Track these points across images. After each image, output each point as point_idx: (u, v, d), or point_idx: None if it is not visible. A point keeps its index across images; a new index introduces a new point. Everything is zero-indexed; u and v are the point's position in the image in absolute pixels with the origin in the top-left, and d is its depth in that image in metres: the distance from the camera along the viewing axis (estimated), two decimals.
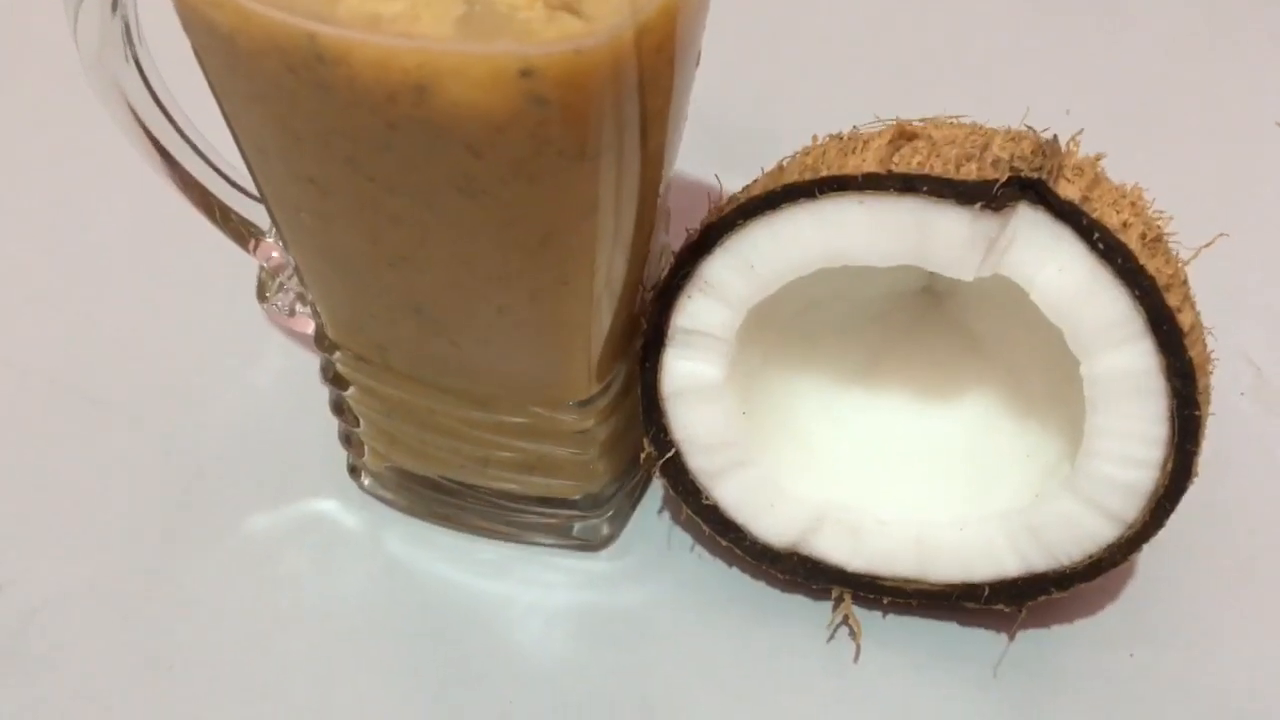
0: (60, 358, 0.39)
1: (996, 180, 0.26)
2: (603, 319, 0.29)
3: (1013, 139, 0.28)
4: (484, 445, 0.31)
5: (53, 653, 0.32)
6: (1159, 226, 0.28)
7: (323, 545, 0.34)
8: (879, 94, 0.46)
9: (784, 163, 0.30)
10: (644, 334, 0.31)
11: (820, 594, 0.33)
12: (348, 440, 0.34)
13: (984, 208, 0.27)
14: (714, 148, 0.37)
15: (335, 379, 0.32)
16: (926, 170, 0.27)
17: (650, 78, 0.24)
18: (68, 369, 0.38)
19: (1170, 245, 0.28)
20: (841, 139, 0.29)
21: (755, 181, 0.30)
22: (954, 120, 0.30)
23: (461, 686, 0.32)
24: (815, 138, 0.30)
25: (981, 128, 0.29)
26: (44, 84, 0.47)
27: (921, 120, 0.30)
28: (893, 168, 0.27)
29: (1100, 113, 0.41)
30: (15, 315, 0.40)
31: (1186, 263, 0.28)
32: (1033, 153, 0.27)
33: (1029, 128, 0.29)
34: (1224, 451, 0.36)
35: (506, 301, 0.27)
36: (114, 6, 0.28)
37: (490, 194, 0.24)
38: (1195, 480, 0.28)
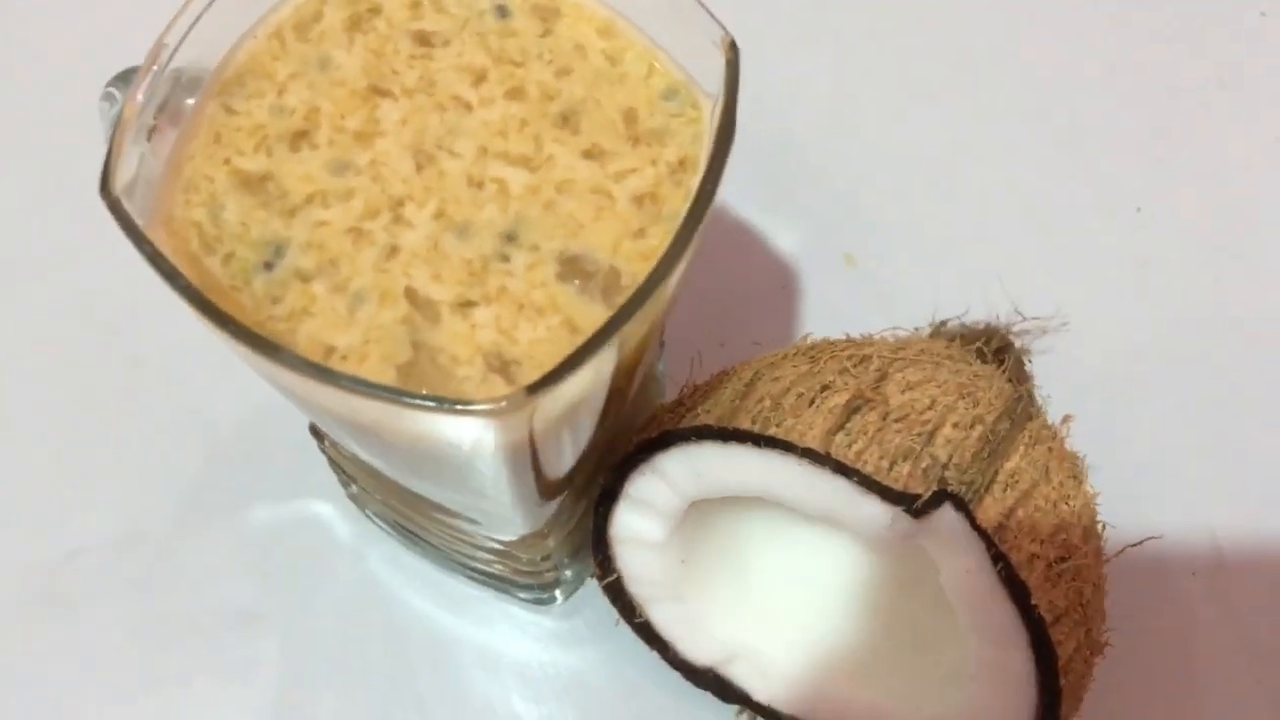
0: (115, 314, 0.42)
1: (920, 496, 0.28)
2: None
3: (963, 428, 0.29)
4: (450, 538, 0.35)
5: (79, 598, 0.38)
6: (1075, 542, 0.29)
7: (311, 548, 0.39)
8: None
9: (751, 378, 0.31)
10: (601, 485, 0.33)
11: None
12: (340, 468, 0.38)
13: (906, 511, 0.28)
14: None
15: (316, 433, 0.36)
16: (859, 464, 0.28)
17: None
18: (120, 326, 0.42)
19: (1077, 565, 0.29)
20: (812, 371, 0.31)
21: (722, 384, 0.32)
22: (925, 354, 0.31)
23: (403, 712, 0.37)
24: (805, 338, 0.31)
25: (943, 395, 0.30)
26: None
27: (892, 358, 0.31)
28: (832, 449, 0.28)
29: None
30: (77, 269, 0.43)
31: (1111, 558, 0.30)
32: (973, 457, 0.28)
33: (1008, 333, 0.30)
34: (1161, 630, 0.38)
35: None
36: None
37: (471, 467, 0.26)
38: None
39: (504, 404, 0.21)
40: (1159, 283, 0.43)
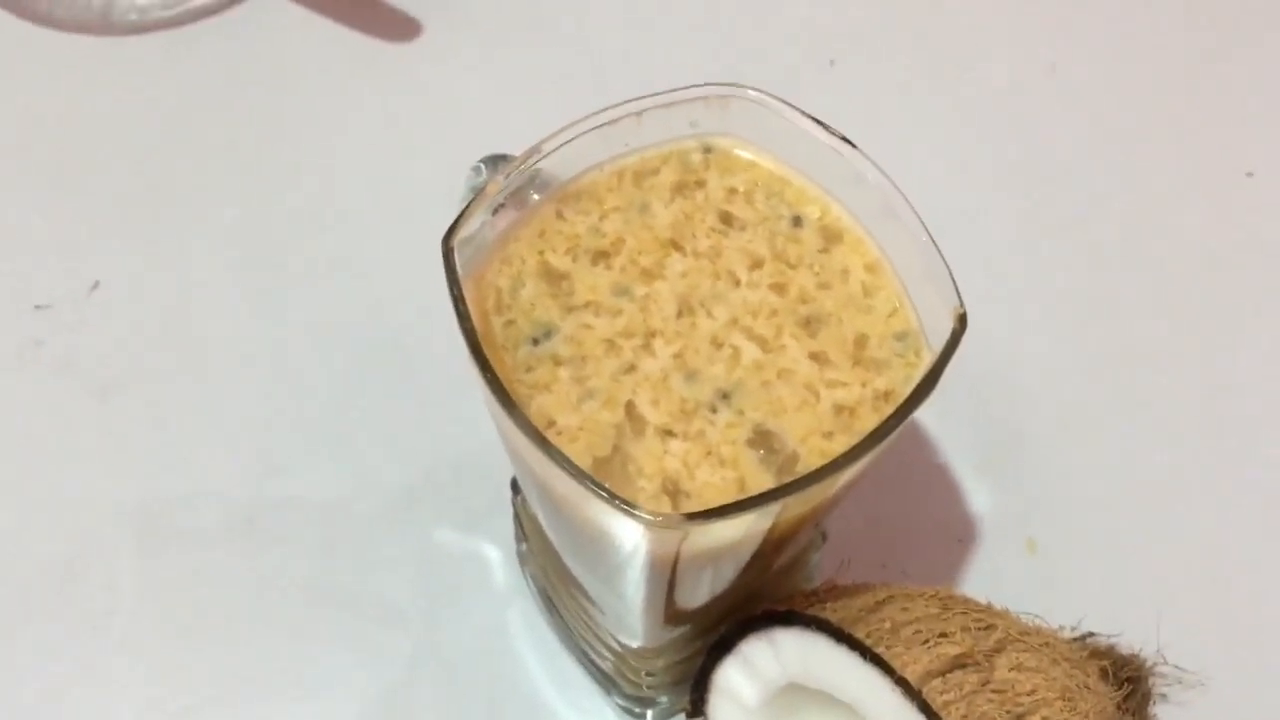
0: (406, 333, 0.48)
1: None
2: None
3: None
4: (581, 621, 0.40)
5: (265, 541, 0.44)
6: None
7: (469, 580, 0.43)
8: None
9: (885, 599, 0.34)
10: (721, 633, 0.37)
11: None
12: (520, 524, 0.43)
13: None
14: None
15: (515, 487, 0.41)
16: (943, 713, 0.31)
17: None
18: (408, 344, 0.48)
19: None
20: (940, 616, 0.33)
21: (858, 594, 0.35)
22: (1048, 647, 0.33)
23: None
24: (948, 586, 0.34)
25: (1047, 689, 0.32)
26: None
27: (1016, 637, 0.33)
28: (925, 689, 0.31)
29: None
30: (397, 287, 0.49)
31: None
32: None
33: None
34: None
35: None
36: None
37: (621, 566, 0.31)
38: None
39: (661, 519, 0.26)
40: None
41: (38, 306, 0.48)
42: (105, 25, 0.55)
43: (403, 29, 0.55)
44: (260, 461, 0.46)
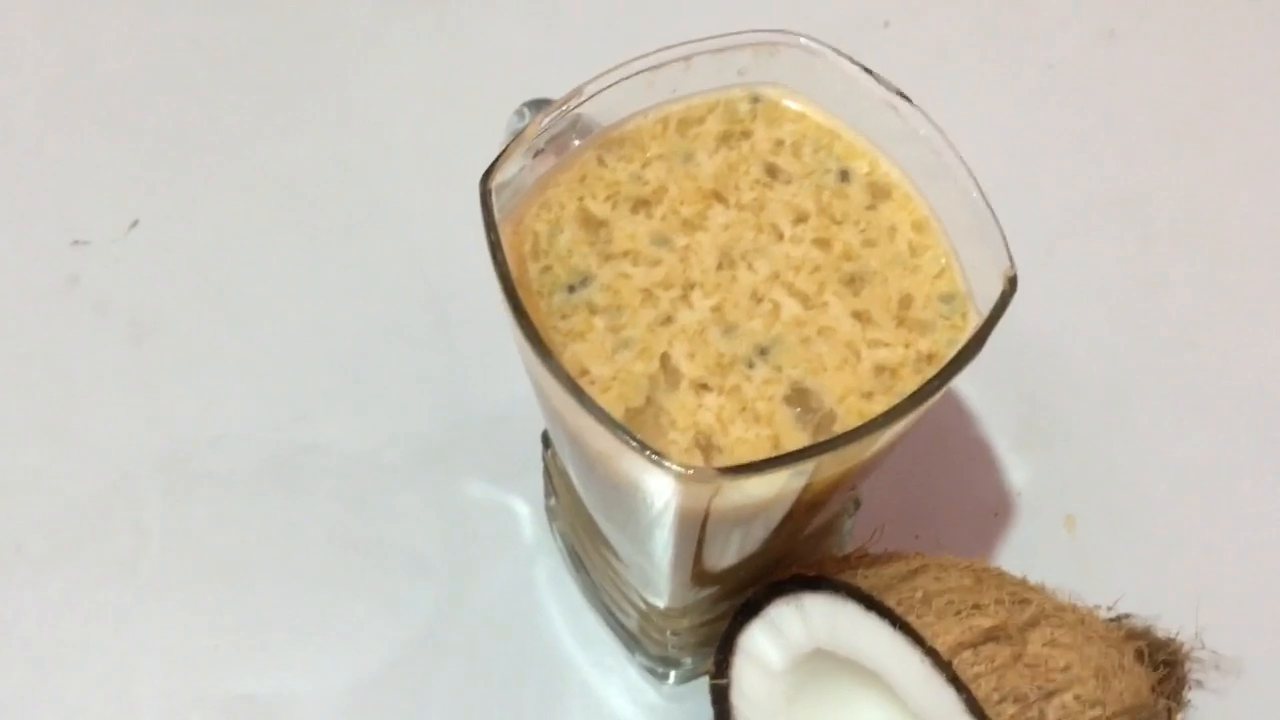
0: (442, 280, 0.48)
1: None
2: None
3: (1083, 703, 0.30)
4: (608, 578, 0.39)
5: (294, 485, 0.44)
6: None
7: (497, 534, 0.43)
8: None
9: (918, 568, 0.33)
10: (748, 596, 0.36)
11: None
12: (550, 479, 0.43)
13: None
14: None
15: (546, 441, 0.41)
16: (973, 686, 0.30)
17: None
18: (441, 290, 0.48)
19: None
20: (974, 588, 0.33)
21: (891, 561, 0.34)
22: (1083, 624, 0.32)
23: (499, 707, 0.41)
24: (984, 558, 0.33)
25: (1081, 666, 0.31)
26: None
27: (1051, 613, 0.32)
28: (956, 661, 0.30)
29: None
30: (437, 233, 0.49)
31: None
32: None
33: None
34: None
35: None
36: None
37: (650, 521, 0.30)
38: None
39: (692, 471, 0.25)
40: None
41: (75, 242, 0.48)
42: None
43: None
44: (290, 407, 0.46)
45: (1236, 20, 0.56)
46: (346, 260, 0.48)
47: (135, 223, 0.49)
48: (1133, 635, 0.38)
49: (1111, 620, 0.39)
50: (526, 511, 0.44)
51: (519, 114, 0.33)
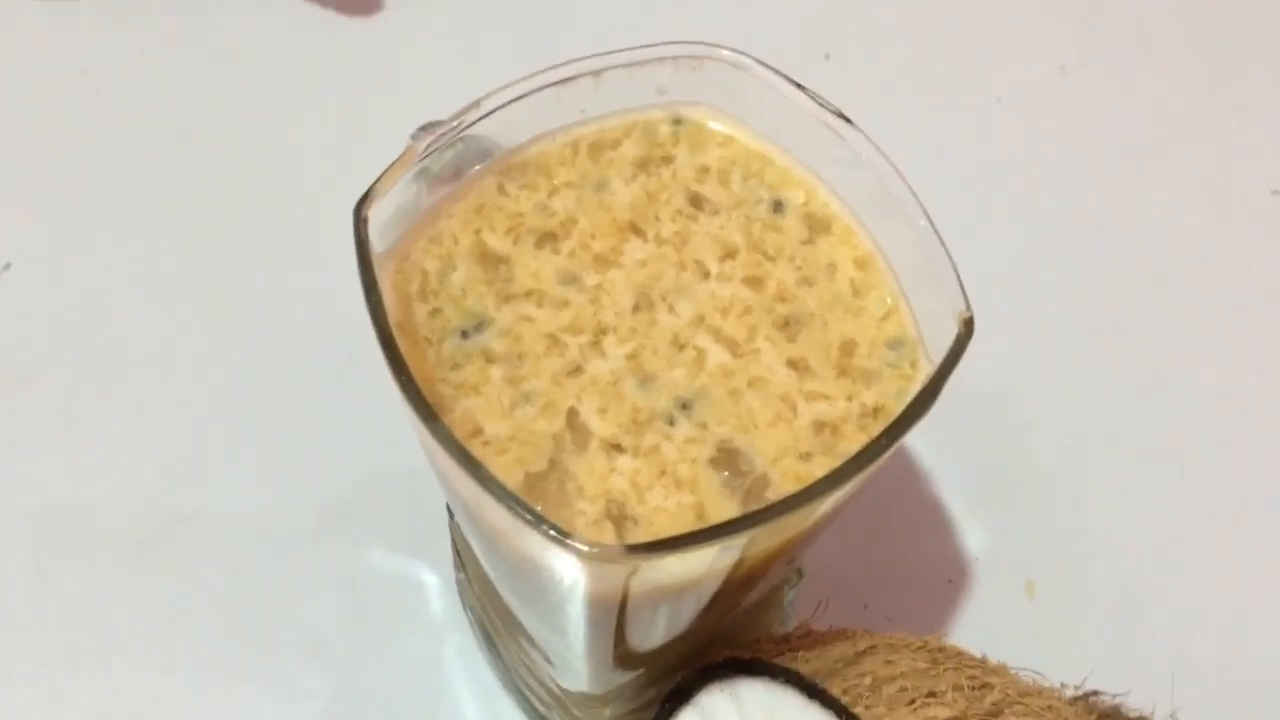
0: (345, 325, 0.44)
1: None
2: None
3: None
4: (520, 662, 0.35)
5: (184, 560, 0.40)
6: None
7: (403, 608, 0.39)
8: None
9: (866, 650, 0.30)
10: (677, 682, 0.32)
11: None
12: (458, 551, 0.39)
13: None
14: None
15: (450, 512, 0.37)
16: None
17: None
18: (343, 334, 0.43)
19: None
20: (928, 672, 0.29)
21: (836, 641, 0.30)
22: (1050, 711, 0.29)
23: None
24: (939, 635, 0.30)
25: None
26: None
27: (1015, 700, 0.29)
28: None
29: None
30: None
31: None
32: None
33: None
34: None
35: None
36: None
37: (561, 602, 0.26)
38: None
39: (599, 550, 0.21)
40: None
41: None
42: None
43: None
44: (175, 468, 0.41)
45: (1188, 55, 0.54)
46: (240, 304, 0.44)
47: (7, 265, 0.44)
48: (1103, 716, 0.35)
49: (1078, 698, 0.36)
50: (435, 582, 0.40)
51: (415, 138, 0.29)
